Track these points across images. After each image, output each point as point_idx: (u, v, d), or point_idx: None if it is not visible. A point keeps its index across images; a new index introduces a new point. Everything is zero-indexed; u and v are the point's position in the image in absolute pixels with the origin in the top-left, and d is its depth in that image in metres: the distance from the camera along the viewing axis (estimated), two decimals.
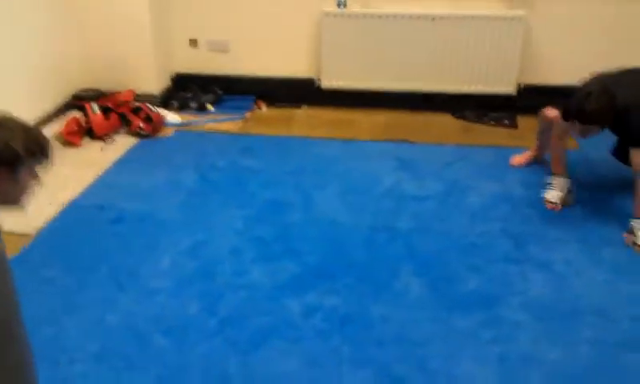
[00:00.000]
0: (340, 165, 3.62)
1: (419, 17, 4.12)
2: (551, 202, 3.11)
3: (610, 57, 4.09)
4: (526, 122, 4.12)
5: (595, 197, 3.27)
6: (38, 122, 3.84)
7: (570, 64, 4.16)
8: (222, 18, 4.43)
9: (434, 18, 4.10)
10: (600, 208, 3.17)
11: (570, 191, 3.15)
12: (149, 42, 4.29)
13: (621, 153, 3.17)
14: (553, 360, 2.20)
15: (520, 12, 4.05)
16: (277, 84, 4.53)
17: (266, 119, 4.35)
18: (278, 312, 2.45)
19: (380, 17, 4.17)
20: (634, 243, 2.83)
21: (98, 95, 4.19)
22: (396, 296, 2.54)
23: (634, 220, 2.87)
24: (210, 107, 4.41)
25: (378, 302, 2.50)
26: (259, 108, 4.49)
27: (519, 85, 4.22)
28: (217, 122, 4.24)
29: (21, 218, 2.96)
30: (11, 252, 2.73)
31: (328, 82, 4.36)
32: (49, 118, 4.03)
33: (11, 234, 2.90)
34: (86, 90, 4.25)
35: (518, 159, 3.61)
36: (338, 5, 4.20)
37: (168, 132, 4.09)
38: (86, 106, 3.97)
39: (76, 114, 4.05)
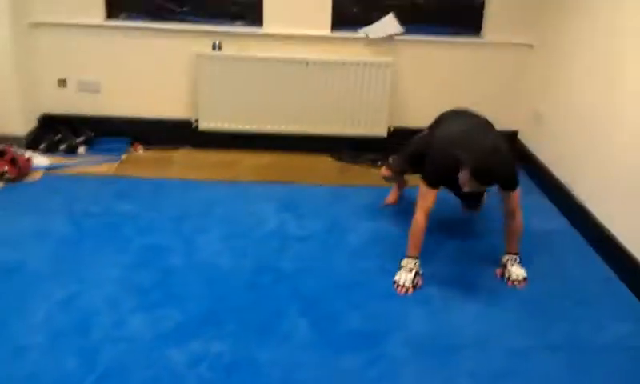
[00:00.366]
0: (221, 207, 3.59)
1: (293, 61, 4.22)
2: (402, 286, 2.90)
3: (468, 102, 4.46)
4: None
5: (465, 237, 3.48)
6: None
7: (430, 107, 4.44)
8: (92, 58, 4.28)
9: (307, 63, 4.23)
10: (470, 247, 3.37)
11: (418, 273, 2.96)
12: (12, 81, 4.05)
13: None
14: None
15: (387, 58, 4.28)
16: (153, 125, 4.43)
17: (143, 161, 4.23)
18: (160, 363, 2.35)
19: (255, 60, 4.23)
20: (508, 278, 3.02)
21: None
22: (282, 339, 2.54)
23: (507, 255, 3.06)
24: (81, 150, 4.21)
25: (264, 346, 2.48)
26: (135, 150, 4.36)
27: (389, 128, 4.42)
28: (90, 164, 4.06)
29: None
30: None
31: (206, 123, 4.33)
32: None
33: None
34: None
35: (389, 199, 3.76)
36: (213, 47, 4.21)
37: (36, 176, 3.86)
38: None
39: None
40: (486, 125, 3.13)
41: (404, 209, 3.67)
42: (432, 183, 2.94)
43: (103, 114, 4.40)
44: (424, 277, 2.96)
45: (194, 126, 4.36)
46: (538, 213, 3.74)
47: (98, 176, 3.93)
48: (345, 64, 4.27)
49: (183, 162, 4.26)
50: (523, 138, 4.49)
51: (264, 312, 2.69)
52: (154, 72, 4.32)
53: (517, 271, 3.02)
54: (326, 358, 2.44)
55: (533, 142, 4.35)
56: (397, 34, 4.28)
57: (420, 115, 4.42)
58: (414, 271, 2.93)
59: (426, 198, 2.94)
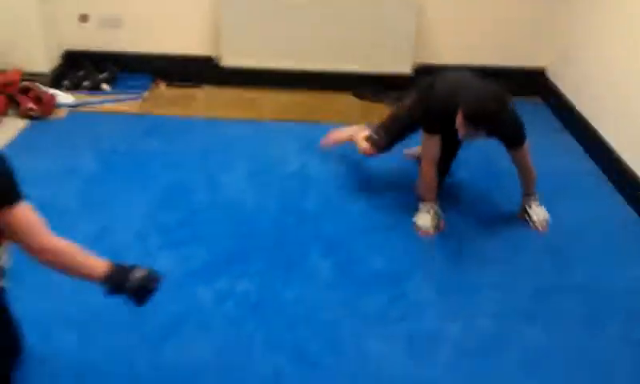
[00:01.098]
0: (245, 146, 3.60)
1: None
2: (423, 229, 2.92)
3: (497, 36, 4.36)
4: None
5: (484, 176, 3.46)
6: None
7: (460, 44, 4.37)
8: None
9: None
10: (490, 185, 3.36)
11: (439, 216, 2.98)
12: (35, 17, 4.03)
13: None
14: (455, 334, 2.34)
15: None
16: (176, 62, 4.40)
17: (165, 99, 4.23)
18: (188, 300, 2.43)
19: None
20: (530, 219, 3.00)
21: None
22: (306, 278, 2.59)
23: (525, 197, 3.03)
24: (105, 87, 4.22)
25: (289, 284, 2.54)
26: (158, 87, 4.36)
27: (414, 64, 4.35)
28: (113, 102, 4.08)
29: None
30: None
31: (229, 60, 4.30)
32: None
33: None
34: None
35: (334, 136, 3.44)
36: None
37: (61, 113, 3.89)
38: None
39: None
40: (489, 81, 2.95)
41: None
42: (434, 130, 2.81)
43: (125, 50, 4.37)
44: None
45: (216, 63, 4.33)
46: (564, 153, 3.71)
47: (123, 113, 3.95)
48: None
49: (206, 100, 4.25)
50: (551, 75, 4.40)
51: (288, 252, 2.73)
52: (176, 6, 4.26)
53: (539, 212, 3.02)
54: (348, 298, 2.49)
55: (560, 79, 4.26)
56: None
57: (446, 50, 4.39)
58: (432, 211, 2.94)
59: (429, 147, 2.86)
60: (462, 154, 3.22)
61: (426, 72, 4.32)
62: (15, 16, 3.97)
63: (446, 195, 3.10)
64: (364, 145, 3.16)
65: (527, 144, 2.88)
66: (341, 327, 2.34)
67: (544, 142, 3.81)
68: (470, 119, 2.55)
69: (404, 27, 4.21)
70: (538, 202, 3.05)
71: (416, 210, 2.99)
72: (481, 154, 3.52)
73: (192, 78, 4.41)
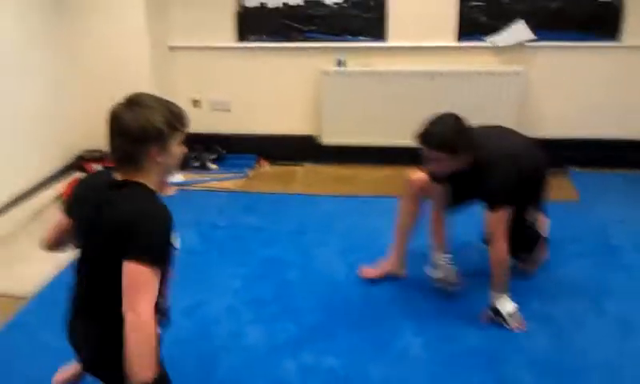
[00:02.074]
0: (340, 221, 3.61)
1: (417, 74, 4.17)
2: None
3: (604, 108, 4.16)
4: None
5: (596, 250, 3.23)
6: (39, 184, 3.88)
7: (566, 117, 4.20)
8: (223, 79, 4.52)
9: (433, 76, 4.15)
10: (602, 259, 3.12)
11: (452, 269, 2.82)
12: None
13: None
14: None
15: (517, 67, 4.09)
16: (278, 142, 4.57)
17: (268, 176, 4.37)
18: (275, 374, 2.40)
19: (380, 74, 4.23)
20: (498, 317, 2.62)
21: (101, 156, 4.23)
22: (395, 356, 2.49)
23: (495, 294, 2.64)
24: (212, 166, 4.44)
25: (378, 361, 2.45)
26: (261, 166, 4.52)
27: None
28: (219, 180, 4.26)
29: (16, 278, 2.97)
30: (6, 315, 2.72)
31: (328, 138, 4.39)
32: (50, 180, 4.06)
33: (6, 295, 2.92)
34: (90, 151, 4.30)
35: (371, 272, 3.03)
36: (338, 64, 4.27)
37: (171, 191, 4.11)
38: (88, 167, 4.01)
39: (78, 175, 4.08)
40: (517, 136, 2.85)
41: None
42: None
43: (233, 131, 4.61)
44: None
45: (317, 141, 4.44)
46: None
47: (227, 190, 4.11)
48: (472, 74, 4.14)
49: (305, 177, 4.35)
50: None
51: (378, 328, 2.66)
52: (280, 90, 4.47)
53: (507, 306, 2.60)
54: (437, 376, 2.36)
55: None
56: (526, 41, 4.09)
57: (553, 125, 4.24)
58: (446, 267, 2.81)
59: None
60: None
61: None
62: None
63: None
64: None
65: (502, 215, 2.54)
66: None
67: None
68: (420, 139, 2.51)
69: (509, 105, 4.13)
70: (504, 295, 2.62)
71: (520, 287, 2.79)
72: None
73: (294, 157, 4.55)
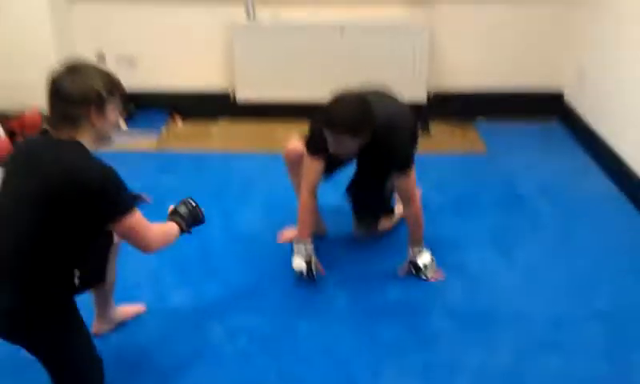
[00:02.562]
0: (261, 179, 3.60)
1: (328, 27, 4.16)
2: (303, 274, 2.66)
3: (512, 60, 4.34)
4: (437, 129, 4.28)
5: (504, 200, 3.41)
6: None
7: (470, 68, 4.35)
8: (129, 31, 4.32)
9: (342, 28, 4.16)
10: (510, 209, 3.31)
11: (311, 257, 2.66)
12: (52, 57, 4.10)
13: (358, 188, 2.94)
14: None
15: (425, 21, 4.18)
16: (191, 98, 4.46)
17: (182, 135, 4.27)
18: (201, 335, 2.42)
19: (291, 28, 4.19)
20: (417, 273, 2.73)
21: (1, 118, 3.97)
22: (320, 310, 2.56)
23: (409, 248, 2.74)
24: (122, 125, 4.28)
25: (303, 316, 2.51)
26: (174, 123, 4.41)
27: (429, 93, 4.34)
28: (131, 139, 4.12)
29: None
30: None
31: (243, 94, 4.34)
32: None
33: None
34: None
35: (290, 234, 2.96)
36: (247, 15, 4.17)
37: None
38: None
39: None
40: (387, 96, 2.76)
41: (440, 178, 3.62)
42: (312, 151, 2.61)
43: (141, 87, 4.44)
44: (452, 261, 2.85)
45: (232, 97, 4.37)
46: (584, 176, 3.66)
47: (140, 150, 3.98)
48: (380, 28, 4.18)
49: (221, 134, 4.28)
50: (568, 98, 4.35)
51: (301, 284, 2.70)
52: (190, 43, 4.32)
53: (425, 257, 2.72)
54: (364, 328, 2.45)
55: (579, 102, 4.20)
56: None
57: (459, 77, 4.38)
58: (305, 255, 2.64)
59: (309, 171, 2.63)
60: None
61: (441, 99, 4.35)
62: (33, 55, 4.06)
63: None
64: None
65: (412, 175, 2.58)
66: (355, 361, 2.30)
67: (563, 164, 3.79)
68: (325, 123, 2.40)
69: (416, 56, 4.22)
70: (422, 249, 2.73)
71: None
72: None
73: (208, 114, 4.46)
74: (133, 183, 3.54)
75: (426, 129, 4.28)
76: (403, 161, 2.56)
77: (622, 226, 3.17)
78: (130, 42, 4.35)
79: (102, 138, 1.86)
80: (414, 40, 4.19)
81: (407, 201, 2.65)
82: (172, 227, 2.16)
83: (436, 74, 4.33)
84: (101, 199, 1.77)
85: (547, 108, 4.43)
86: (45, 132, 1.84)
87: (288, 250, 2.91)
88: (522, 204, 3.36)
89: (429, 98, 4.34)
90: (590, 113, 4.01)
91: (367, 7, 4.22)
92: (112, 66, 4.26)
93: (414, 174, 2.60)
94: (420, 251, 2.73)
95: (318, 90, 4.26)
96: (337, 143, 2.44)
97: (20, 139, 3.81)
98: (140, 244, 1.94)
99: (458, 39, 4.30)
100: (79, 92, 1.77)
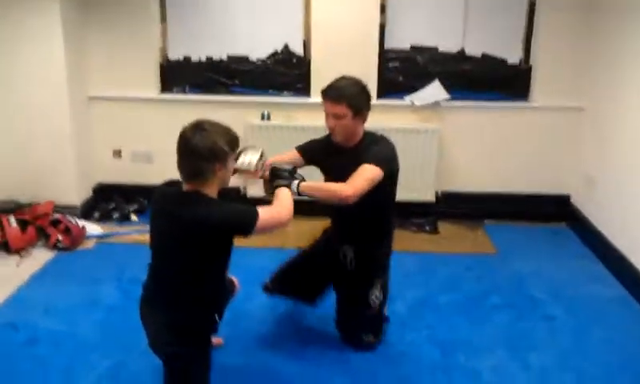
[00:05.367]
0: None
1: None
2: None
3: (520, 165, 4.40)
4: (446, 228, 4.29)
5: (516, 302, 3.36)
6: None
7: (479, 171, 4.42)
8: (146, 130, 4.45)
9: None
10: (523, 312, 3.26)
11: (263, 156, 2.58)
12: (70, 152, 4.22)
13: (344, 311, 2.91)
14: None
15: (434, 125, 4.28)
16: None
17: None
18: None
19: (303, 128, 4.29)
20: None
21: (15, 207, 4.03)
22: None
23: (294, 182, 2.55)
24: (134, 218, 4.32)
25: None
26: None
27: (437, 192, 4.39)
28: (141, 232, 4.15)
29: None
30: None
31: (254, 191, 4.37)
32: None
33: None
34: (3, 202, 4.09)
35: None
36: (262, 117, 4.31)
37: (89, 244, 3.96)
38: (2, 219, 3.82)
39: None
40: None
41: (456, 276, 3.60)
42: (298, 147, 2.96)
43: (155, 182, 4.49)
44: None
45: (242, 193, 4.43)
46: (595, 279, 3.62)
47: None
48: (390, 131, 4.25)
49: None
50: (576, 202, 4.37)
51: None
52: None
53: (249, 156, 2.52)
54: None
55: (586, 206, 4.22)
56: (442, 101, 4.29)
57: (468, 179, 4.43)
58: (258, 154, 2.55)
59: (369, 175, 2.55)
60: None
61: (449, 199, 4.39)
62: (53, 151, 4.17)
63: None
64: None
65: (372, 170, 2.53)
66: None
67: (573, 268, 3.76)
68: (324, 92, 2.66)
69: (426, 159, 4.30)
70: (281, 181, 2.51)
71: (446, 336, 2.85)
72: None
73: None
74: (140, 274, 3.57)
75: (433, 227, 4.30)
76: (375, 156, 2.59)
77: (633, 332, 3.10)
78: (146, 139, 4.47)
79: (222, 185, 2.17)
80: (424, 141, 4.28)
81: (347, 182, 2.53)
82: (282, 196, 2.36)
83: (445, 175, 4.39)
84: (229, 231, 2.13)
85: (555, 211, 4.45)
86: (174, 183, 2.20)
87: None
88: (533, 307, 3.31)
89: (437, 198, 4.38)
90: (597, 217, 4.02)
91: (378, 112, 4.32)
92: (128, 162, 4.46)
93: (373, 171, 2.53)
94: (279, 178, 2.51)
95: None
96: (332, 114, 2.63)
97: (31, 229, 3.86)
98: (277, 225, 2.22)
99: (466, 142, 4.40)
100: (207, 149, 2.07)
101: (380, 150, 2.66)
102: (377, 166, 2.55)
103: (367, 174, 2.53)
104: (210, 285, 2.25)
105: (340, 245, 2.85)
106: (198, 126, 2.12)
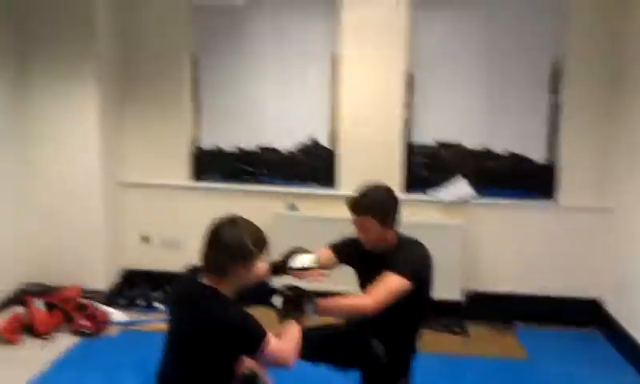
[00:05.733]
0: None
1: None
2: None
3: (544, 265, 4.32)
4: (477, 330, 4.20)
5: None
6: None
7: (508, 270, 4.36)
8: (176, 216, 4.52)
9: None
10: None
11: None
12: (99, 237, 4.30)
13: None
14: None
15: (460, 221, 4.27)
16: None
17: None
18: None
19: (330, 220, 4.31)
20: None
21: (43, 290, 4.07)
22: None
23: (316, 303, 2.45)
24: (159, 305, 4.33)
25: None
26: None
27: (465, 291, 4.32)
28: (164, 320, 4.13)
29: None
30: None
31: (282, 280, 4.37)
32: None
33: None
34: (31, 284, 4.15)
35: None
36: (290, 208, 4.36)
37: (112, 331, 3.96)
38: (30, 301, 3.86)
39: (18, 309, 3.91)
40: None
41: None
42: (330, 244, 2.89)
43: (182, 270, 4.53)
44: None
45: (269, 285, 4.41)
46: None
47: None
48: (415, 225, 4.25)
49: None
50: (607, 305, 4.26)
51: None
52: None
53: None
54: None
55: (617, 310, 4.11)
56: (469, 198, 4.29)
57: (496, 279, 4.36)
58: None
59: (393, 287, 2.49)
60: None
61: (479, 300, 4.31)
62: (82, 235, 4.26)
63: None
64: None
65: (397, 281, 2.47)
66: None
67: (607, 375, 3.63)
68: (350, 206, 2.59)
69: (452, 257, 4.24)
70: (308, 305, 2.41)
71: None
72: None
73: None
74: None
75: (461, 328, 4.20)
76: (403, 264, 2.51)
77: None
78: (175, 225, 4.54)
79: (242, 287, 2.11)
80: (448, 238, 4.25)
81: (370, 292, 2.48)
82: (292, 330, 2.22)
83: (473, 274, 4.33)
84: (239, 339, 2.04)
85: (585, 314, 4.33)
86: (195, 270, 2.16)
87: None
88: None
89: (466, 298, 4.30)
90: (630, 321, 3.91)
91: (406, 207, 4.34)
92: (157, 248, 4.51)
93: (398, 282, 2.47)
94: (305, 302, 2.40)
95: (347, 280, 4.33)
96: (359, 226, 2.59)
97: (58, 313, 3.88)
98: (281, 362, 2.10)
99: (492, 240, 4.36)
100: (234, 246, 2.06)
101: (409, 257, 2.60)
102: (402, 276, 2.49)
103: (390, 285, 2.47)
104: None
105: (368, 336, 2.76)
106: (231, 221, 2.14)
